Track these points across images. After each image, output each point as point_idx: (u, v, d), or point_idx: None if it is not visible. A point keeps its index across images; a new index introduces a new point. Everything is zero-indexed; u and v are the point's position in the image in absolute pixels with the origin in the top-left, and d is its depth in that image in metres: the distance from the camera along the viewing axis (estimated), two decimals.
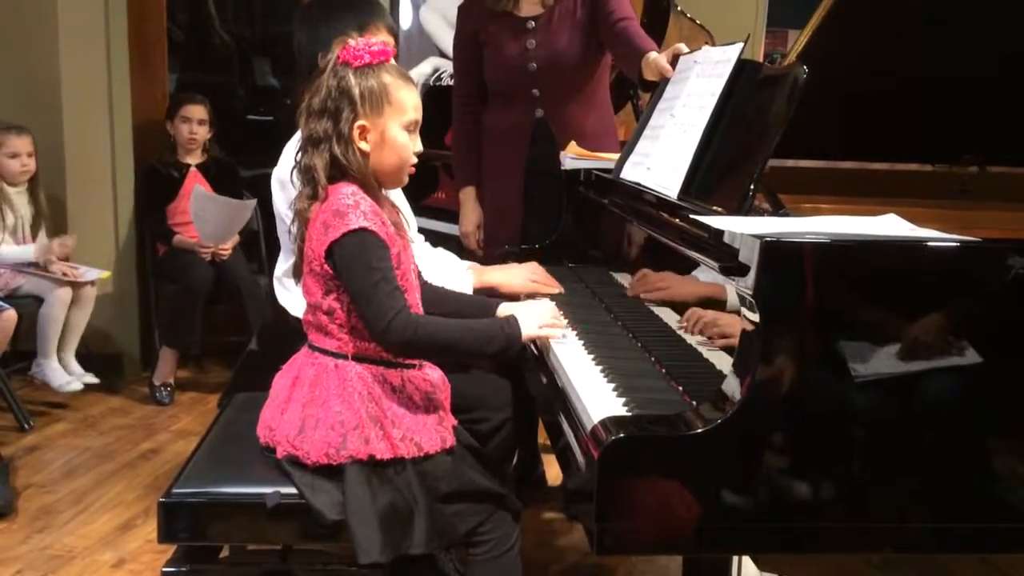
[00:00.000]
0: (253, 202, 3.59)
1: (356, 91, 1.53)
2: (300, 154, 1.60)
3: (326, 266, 1.54)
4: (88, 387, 3.43)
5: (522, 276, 2.04)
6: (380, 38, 1.95)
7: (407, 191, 3.08)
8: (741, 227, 1.21)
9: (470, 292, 2.00)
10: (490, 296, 2.00)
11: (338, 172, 1.56)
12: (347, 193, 1.53)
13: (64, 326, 3.41)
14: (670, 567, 2.35)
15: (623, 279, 2.00)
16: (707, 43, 2.74)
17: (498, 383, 1.99)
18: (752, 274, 1.12)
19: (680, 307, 1.60)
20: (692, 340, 1.56)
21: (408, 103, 1.58)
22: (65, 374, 3.38)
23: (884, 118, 2.00)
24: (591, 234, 2.31)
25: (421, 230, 3.22)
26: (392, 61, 1.59)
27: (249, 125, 5.02)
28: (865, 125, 2.01)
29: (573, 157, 2.34)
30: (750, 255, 1.13)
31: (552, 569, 2.36)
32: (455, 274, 2.01)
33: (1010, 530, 1.27)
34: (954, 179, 2.26)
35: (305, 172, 1.58)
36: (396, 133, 1.57)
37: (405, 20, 4.43)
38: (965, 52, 1.95)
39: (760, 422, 1.12)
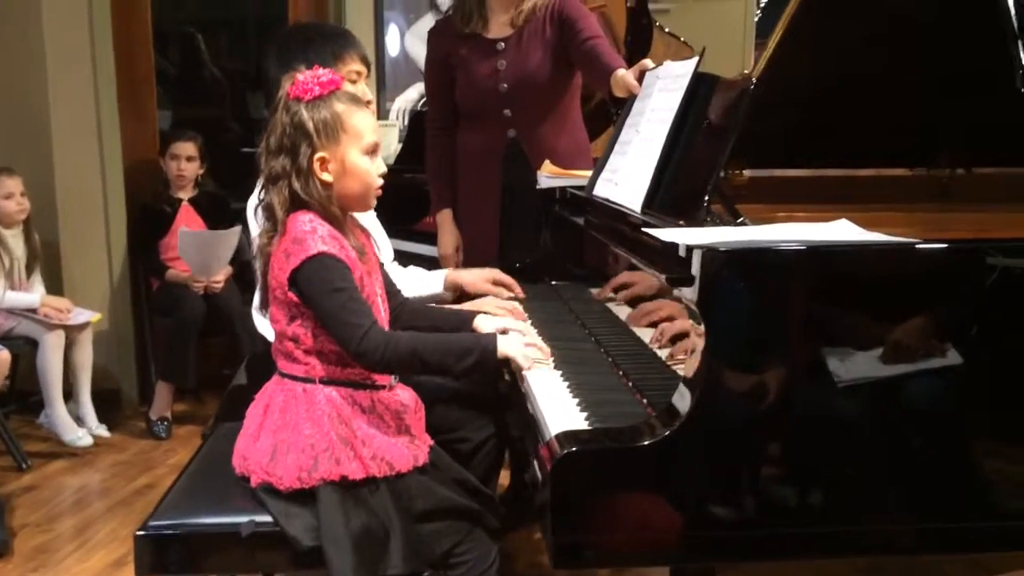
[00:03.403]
0: (237, 229, 3.63)
1: (310, 125, 1.54)
2: (263, 193, 1.62)
3: (290, 294, 1.55)
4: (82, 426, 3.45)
5: (479, 276, 2.06)
6: (354, 67, 1.99)
7: (399, 214, 3.12)
8: (689, 238, 1.22)
9: (440, 288, 2.03)
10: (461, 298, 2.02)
11: (297, 205, 1.57)
12: (304, 220, 1.55)
13: (71, 369, 3.44)
14: None
15: (598, 293, 2.01)
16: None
17: (480, 404, 1.99)
18: (696, 284, 1.13)
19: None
20: (663, 353, 1.57)
21: (364, 127, 1.59)
22: (75, 427, 3.38)
23: (862, 124, 2.00)
24: (569, 251, 2.32)
25: (413, 255, 3.25)
26: (343, 88, 1.60)
27: (243, 158, 5.06)
28: (844, 132, 2.02)
29: (548, 176, 2.36)
30: (693, 265, 1.14)
31: None
32: (427, 278, 2.04)
33: (993, 529, 1.28)
34: (934, 182, 2.26)
35: (266, 210, 1.60)
36: (357, 159, 1.59)
37: (393, 47, 4.49)
38: (937, 54, 1.95)
39: (708, 433, 1.12)
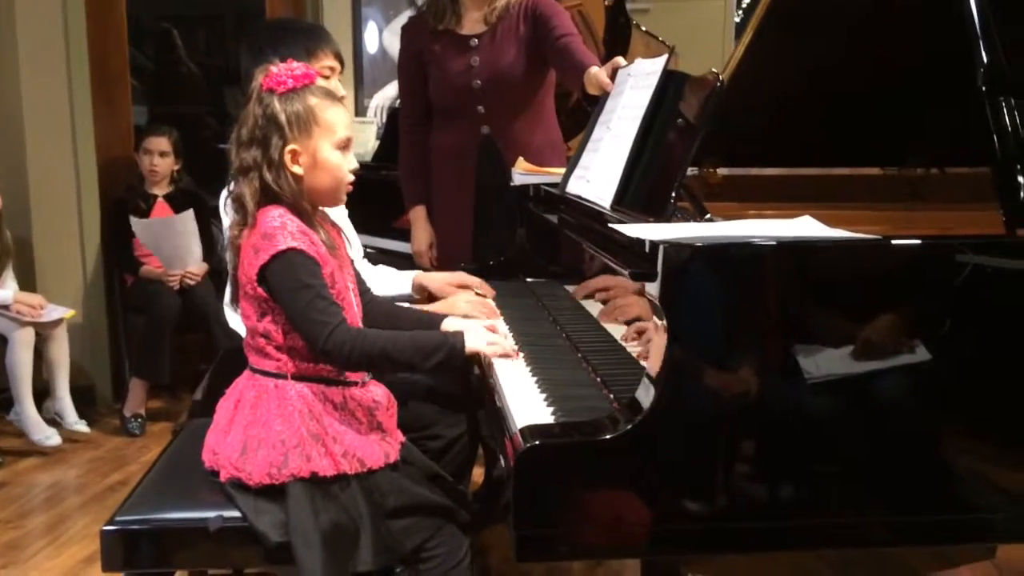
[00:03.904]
0: (189, 213, 3.65)
1: (283, 117, 1.55)
2: (232, 184, 1.62)
3: (259, 289, 1.55)
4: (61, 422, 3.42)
5: (445, 280, 2.06)
6: (327, 63, 1.99)
7: (377, 211, 3.12)
8: (654, 234, 1.23)
9: (408, 289, 2.04)
10: (430, 299, 2.03)
11: (268, 199, 1.57)
12: (274, 215, 1.55)
13: (47, 365, 3.42)
14: None
15: (576, 291, 2.02)
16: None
17: (453, 401, 2.00)
18: (658, 279, 1.14)
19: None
20: (632, 349, 1.58)
21: (337, 122, 1.59)
22: (44, 426, 3.33)
23: (833, 123, 2.02)
24: (544, 248, 2.33)
25: (391, 252, 3.25)
26: (318, 82, 1.60)
27: (221, 154, 5.03)
28: (816, 131, 2.03)
29: (522, 173, 2.37)
30: (655, 260, 1.15)
31: None
32: (396, 278, 2.04)
33: (958, 521, 1.30)
34: (905, 182, 2.28)
35: (236, 201, 1.60)
36: (328, 153, 1.59)
37: (371, 44, 4.49)
38: (903, 54, 1.97)
39: (669, 427, 1.13)
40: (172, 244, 3.62)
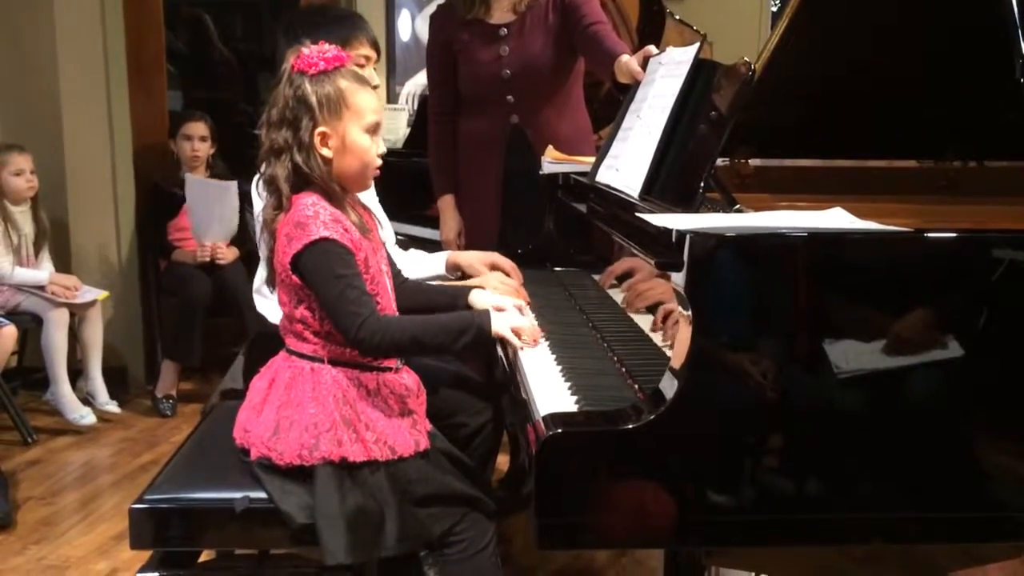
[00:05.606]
0: (234, 184, 3.68)
1: (313, 99, 1.55)
2: (264, 165, 1.63)
3: (293, 277, 1.57)
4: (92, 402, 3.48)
5: (477, 259, 2.07)
6: (362, 52, 1.99)
7: (409, 199, 3.12)
8: (681, 223, 1.22)
9: (442, 270, 2.05)
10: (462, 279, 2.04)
11: (301, 181, 1.58)
12: (307, 204, 1.56)
13: (81, 345, 3.49)
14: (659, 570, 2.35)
15: (601, 279, 2.02)
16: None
17: (479, 389, 2.00)
18: (684, 269, 1.14)
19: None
20: (659, 340, 1.57)
21: (366, 106, 1.60)
22: (79, 405, 3.39)
23: (867, 115, 2.00)
24: (572, 237, 2.32)
25: (424, 240, 3.26)
26: (348, 66, 1.61)
27: (254, 139, 5.07)
28: (850, 122, 2.01)
29: (551, 161, 2.36)
30: (682, 250, 1.14)
31: (540, 572, 2.37)
32: (429, 260, 2.05)
33: (987, 519, 1.29)
34: (940, 175, 2.25)
35: (269, 183, 1.61)
36: (357, 136, 1.59)
37: (405, 31, 4.49)
38: (940, 44, 1.94)
39: (691, 419, 1.13)
40: (216, 210, 3.63)
